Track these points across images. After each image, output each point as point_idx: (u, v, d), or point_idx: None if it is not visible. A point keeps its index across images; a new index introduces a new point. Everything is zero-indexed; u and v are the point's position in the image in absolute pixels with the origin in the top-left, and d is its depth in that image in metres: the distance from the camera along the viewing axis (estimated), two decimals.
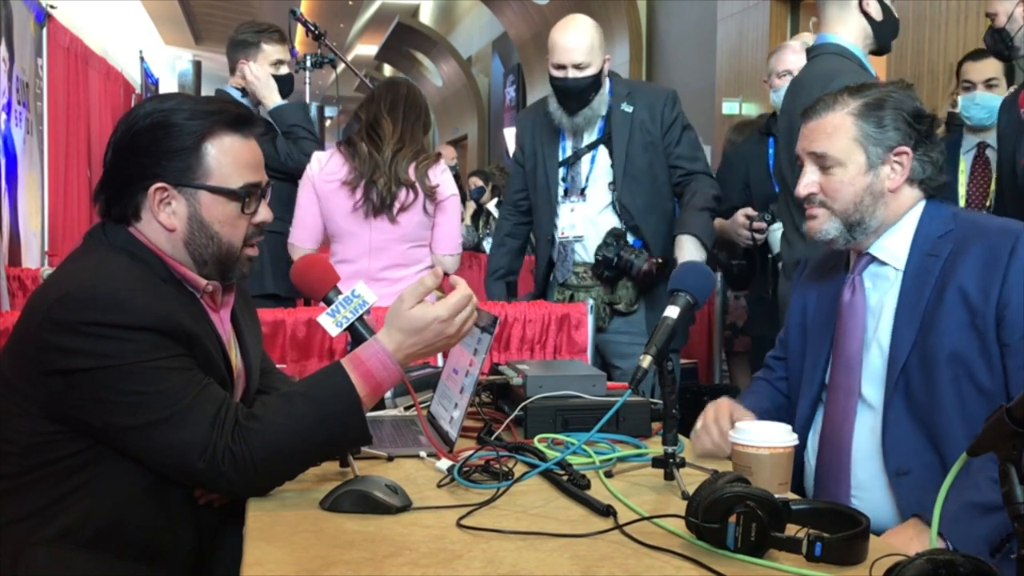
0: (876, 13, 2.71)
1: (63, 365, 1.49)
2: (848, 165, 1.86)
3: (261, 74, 3.54)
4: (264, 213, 1.70)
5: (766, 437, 1.61)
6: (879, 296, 1.90)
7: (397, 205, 3.13)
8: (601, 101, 3.24)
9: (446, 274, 1.84)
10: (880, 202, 1.87)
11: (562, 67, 3.18)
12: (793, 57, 3.67)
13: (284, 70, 3.65)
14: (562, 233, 3.29)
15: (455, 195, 3.25)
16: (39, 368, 1.51)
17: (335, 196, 3.17)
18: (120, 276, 1.56)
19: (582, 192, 3.26)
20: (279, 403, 1.55)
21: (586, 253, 3.27)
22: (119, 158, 1.64)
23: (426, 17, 19.94)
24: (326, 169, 3.19)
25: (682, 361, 4.41)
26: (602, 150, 3.27)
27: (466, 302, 1.63)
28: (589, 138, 3.29)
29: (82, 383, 1.49)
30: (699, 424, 1.89)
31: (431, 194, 3.16)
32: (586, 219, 3.26)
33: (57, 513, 1.53)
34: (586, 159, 3.28)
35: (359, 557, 1.31)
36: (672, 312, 1.71)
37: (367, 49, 21.00)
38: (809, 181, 1.90)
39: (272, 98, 3.53)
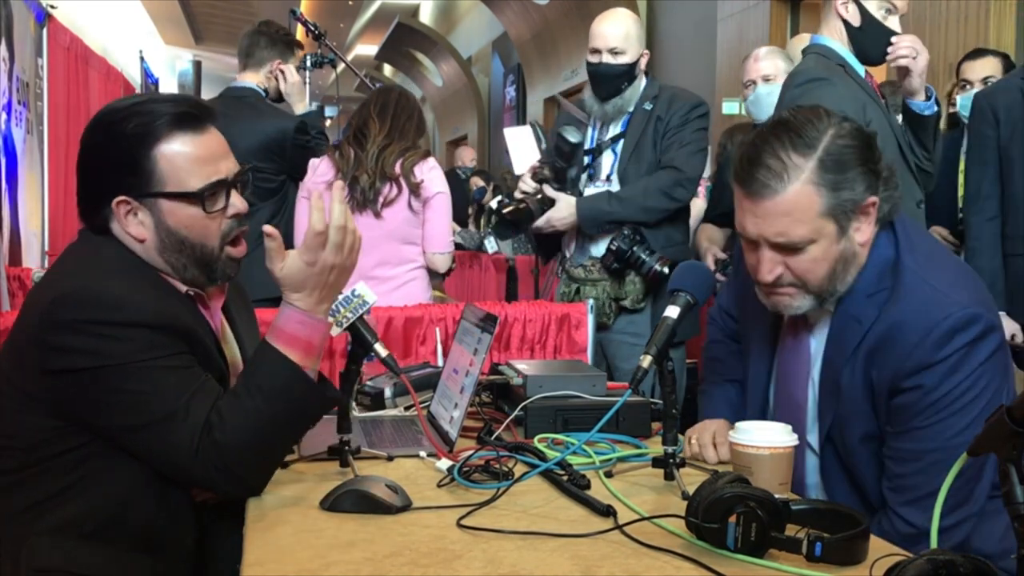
0: (854, 18, 2.73)
1: (62, 364, 1.49)
2: (820, 240, 1.61)
3: (299, 78, 3.65)
4: (237, 204, 1.67)
5: (766, 437, 1.61)
6: (817, 341, 1.76)
7: (381, 200, 3.18)
8: (633, 94, 3.27)
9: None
10: (852, 263, 1.66)
11: (597, 51, 3.24)
12: (755, 65, 3.70)
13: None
14: None
15: (443, 193, 3.25)
16: (38, 367, 1.51)
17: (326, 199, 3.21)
18: (116, 274, 1.56)
19: (607, 180, 3.29)
20: (229, 404, 1.53)
21: (596, 247, 3.26)
22: (82, 175, 1.65)
23: (426, 17, 19.93)
24: (317, 173, 3.28)
25: (691, 360, 4.40)
26: (622, 144, 3.29)
27: (319, 240, 1.53)
28: (614, 131, 3.31)
29: (81, 382, 1.49)
30: (694, 446, 1.81)
31: (415, 190, 3.18)
32: None
33: (58, 506, 1.54)
34: (609, 152, 3.29)
35: (359, 557, 1.31)
36: (672, 312, 1.70)
37: (367, 49, 20.99)
38: (773, 264, 1.63)
39: (304, 103, 3.63)
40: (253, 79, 3.65)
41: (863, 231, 1.65)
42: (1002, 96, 3.05)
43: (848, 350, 1.68)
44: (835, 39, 2.76)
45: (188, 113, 1.63)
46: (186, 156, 1.61)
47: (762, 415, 1.87)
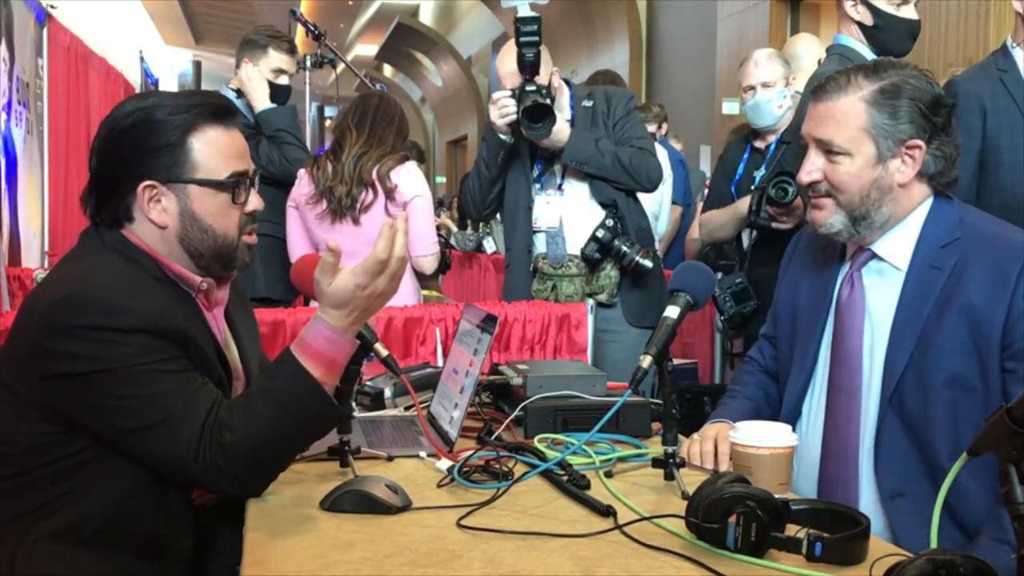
0: (865, 18, 2.71)
1: (59, 369, 1.49)
2: (856, 156, 1.75)
3: (254, 76, 3.54)
4: (255, 202, 1.71)
5: (766, 437, 1.61)
6: (878, 297, 1.82)
7: (358, 206, 3.20)
8: (561, 108, 3.24)
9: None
10: (888, 197, 1.77)
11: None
12: (754, 71, 3.65)
13: (284, 80, 3.63)
14: (535, 222, 3.25)
15: (420, 196, 3.25)
16: (36, 372, 1.51)
17: (307, 211, 3.30)
18: (114, 279, 1.56)
19: (559, 187, 3.24)
20: (242, 407, 1.53)
21: (569, 245, 3.24)
22: (105, 161, 1.64)
23: (426, 17, 19.95)
24: (299, 187, 3.33)
25: (682, 361, 4.41)
26: None
27: (380, 267, 1.53)
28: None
29: (78, 387, 1.49)
30: (694, 456, 1.79)
31: (391, 194, 3.19)
32: (563, 212, 3.23)
33: (56, 511, 1.53)
34: (559, 163, 3.25)
35: (359, 557, 1.31)
36: (672, 312, 1.70)
37: (367, 49, 21.01)
38: (812, 168, 1.79)
39: (262, 101, 3.53)
40: (231, 83, 3.64)
41: (904, 173, 1.77)
42: (985, 84, 3.02)
43: (932, 296, 1.75)
44: (854, 39, 2.74)
45: (223, 107, 1.67)
46: (219, 147, 1.65)
47: (810, 374, 1.91)
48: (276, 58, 3.60)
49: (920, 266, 1.78)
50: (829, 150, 1.78)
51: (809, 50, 3.85)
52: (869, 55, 2.71)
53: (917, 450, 1.75)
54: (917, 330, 1.75)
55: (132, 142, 1.62)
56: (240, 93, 3.58)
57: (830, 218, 1.80)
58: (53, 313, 1.50)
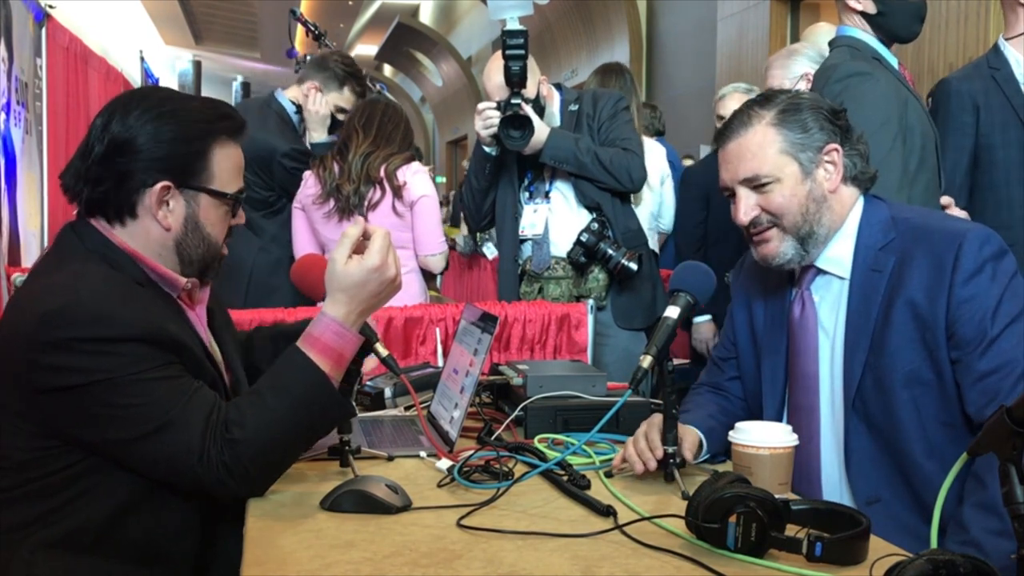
0: (868, 6, 2.67)
1: (54, 383, 1.47)
2: (784, 179, 1.77)
3: (323, 109, 3.57)
4: (241, 218, 1.74)
5: (766, 437, 1.61)
6: (828, 310, 1.83)
7: (366, 204, 3.21)
8: (551, 116, 3.25)
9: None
10: (824, 207, 1.79)
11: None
12: (775, 72, 3.64)
13: (341, 118, 3.63)
14: (522, 231, 3.26)
15: (427, 196, 3.26)
16: (30, 388, 1.49)
17: (313, 212, 3.31)
18: (101, 288, 1.53)
19: (546, 195, 3.25)
20: (251, 403, 1.53)
21: (555, 247, 3.23)
22: (117, 151, 1.59)
23: (426, 17, 19.96)
24: (304, 188, 3.34)
25: (682, 361, 4.40)
26: None
27: (388, 241, 1.61)
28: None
29: (75, 400, 1.47)
30: (631, 454, 1.70)
31: (398, 192, 3.20)
32: (549, 217, 3.23)
33: (55, 522, 1.52)
34: (547, 170, 3.24)
35: (359, 557, 1.31)
36: (672, 312, 1.70)
37: (367, 49, 21.01)
38: (747, 206, 1.79)
39: (320, 134, 3.58)
40: (289, 94, 3.65)
41: (831, 179, 1.80)
42: (977, 82, 3.00)
43: (877, 298, 1.75)
44: (863, 28, 2.69)
45: (243, 125, 1.71)
46: (232, 162, 1.68)
47: (782, 399, 1.89)
48: (346, 98, 3.61)
49: (862, 271, 1.79)
50: (757, 184, 1.78)
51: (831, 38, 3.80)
52: (877, 44, 2.66)
53: (887, 453, 1.75)
54: (868, 334, 1.76)
55: (153, 140, 1.59)
56: (299, 108, 3.60)
57: (780, 248, 1.80)
58: (43, 327, 1.47)
